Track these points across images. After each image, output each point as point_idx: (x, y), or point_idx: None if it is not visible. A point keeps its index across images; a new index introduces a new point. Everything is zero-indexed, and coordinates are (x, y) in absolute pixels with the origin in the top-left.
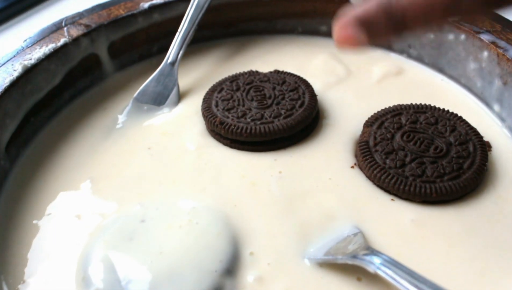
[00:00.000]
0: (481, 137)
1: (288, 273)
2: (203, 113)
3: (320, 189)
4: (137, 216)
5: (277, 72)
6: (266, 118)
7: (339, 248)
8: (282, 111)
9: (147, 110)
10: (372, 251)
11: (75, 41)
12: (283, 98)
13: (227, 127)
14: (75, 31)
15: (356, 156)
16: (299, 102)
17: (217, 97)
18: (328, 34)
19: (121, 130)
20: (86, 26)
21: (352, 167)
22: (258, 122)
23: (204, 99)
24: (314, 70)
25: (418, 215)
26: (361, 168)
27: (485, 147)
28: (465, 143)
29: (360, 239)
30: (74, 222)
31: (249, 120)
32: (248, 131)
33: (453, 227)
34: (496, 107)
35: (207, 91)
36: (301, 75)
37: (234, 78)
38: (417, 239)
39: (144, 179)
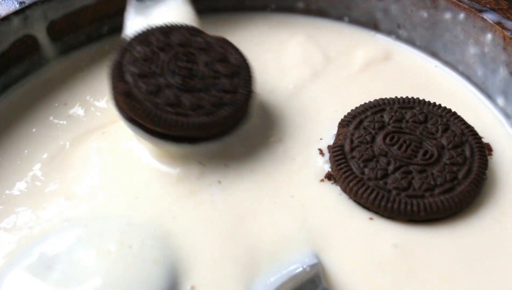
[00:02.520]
0: (480, 138)
1: None
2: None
3: (278, 205)
4: (60, 236)
5: (224, 41)
6: (182, 106)
7: (290, 286)
8: (205, 103)
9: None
10: None
11: (4, 20)
12: (214, 84)
13: (129, 100)
14: (4, 8)
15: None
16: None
17: (135, 50)
18: (305, 11)
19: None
20: (20, 2)
21: (322, 180)
22: (171, 109)
23: (120, 51)
24: (286, 58)
25: (402, 239)
26: (335, 179)
27: (485, 150)
28: (460, 146)
29: (316, 273)
30: None
31: (159, 100)
32: (151, 116)
33: (446, 253)
34: (500, 100)
35: (129, 41)
36: (271, 63)
37: (168, 30)
38: (402, 271)
39: (77, 184)
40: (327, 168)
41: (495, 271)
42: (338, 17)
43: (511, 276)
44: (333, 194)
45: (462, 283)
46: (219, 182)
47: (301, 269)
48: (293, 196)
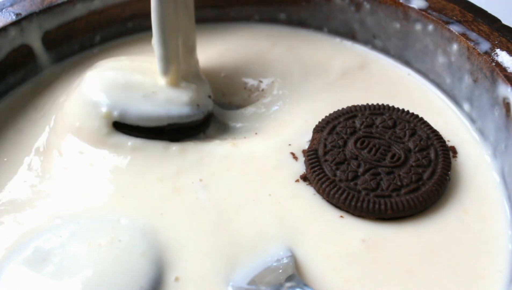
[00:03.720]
0: (444, 141)
1: None
2: None
3: (257, 202)
4: (54, 232)
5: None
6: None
7: (265, 276)
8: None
9: None
10: (298, 284)
11: (1, 31)
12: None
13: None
14: (1, 19)
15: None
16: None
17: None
18: (287, 22)
19: None
20: (17, 14)
21: (297, 181)
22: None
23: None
24: (268, 67)
25: (370, 234)
26: (310, 181)
27: (448, 153)
28: (425, 149)
29: (289, 265)
30: None
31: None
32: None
33: (411, 247)
34: (466, 106)
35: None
36: (253, 72)
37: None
38: (368, 263)
39: (67, 184)
40: (302, 170)
41: (455, 264)
42: (318, 28)
43: (470, 268)
44: (308, 194)
45: (424, 275)
46: (200, 180)
47: (275, 261)
48: (270, 195)
